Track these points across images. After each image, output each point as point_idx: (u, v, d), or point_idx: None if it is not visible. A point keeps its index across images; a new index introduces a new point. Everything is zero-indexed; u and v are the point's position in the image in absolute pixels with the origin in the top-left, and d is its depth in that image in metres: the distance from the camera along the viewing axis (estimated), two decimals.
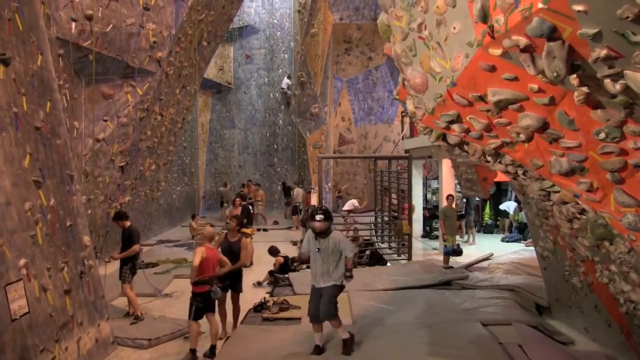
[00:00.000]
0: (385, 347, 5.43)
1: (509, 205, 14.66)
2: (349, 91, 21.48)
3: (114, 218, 7.35)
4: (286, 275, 8.82)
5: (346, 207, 15.77)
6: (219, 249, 6.42)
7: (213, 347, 5.77)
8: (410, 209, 11.71)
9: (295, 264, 9.65)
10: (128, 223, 7.17)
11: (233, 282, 6.38)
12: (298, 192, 17.68)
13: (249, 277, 9.63)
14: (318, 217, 5.22)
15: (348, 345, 5.27)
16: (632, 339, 5.05)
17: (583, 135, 2.89)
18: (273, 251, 9.52)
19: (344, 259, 5.29)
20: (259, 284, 9.01)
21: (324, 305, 5.19)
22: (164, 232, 15.95)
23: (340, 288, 5.34)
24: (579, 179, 3.20)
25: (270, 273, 9.07)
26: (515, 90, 2.94)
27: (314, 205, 14.04)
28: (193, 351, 5.65)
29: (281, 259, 9.25)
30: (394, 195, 13.06)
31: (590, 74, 2.46)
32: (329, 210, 5.46)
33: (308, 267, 10.25)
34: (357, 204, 15.74)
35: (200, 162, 22.15)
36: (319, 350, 5.36)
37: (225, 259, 6.09)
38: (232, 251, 6.42)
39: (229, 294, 6.49)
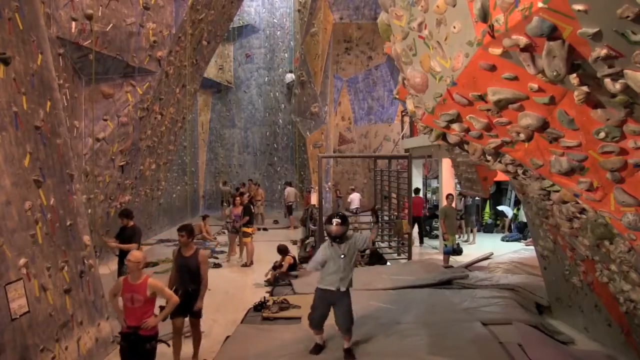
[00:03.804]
0: (385, 347, 5.43)
1: (507, 210, 14.71)
2: (349, 90, 21.48)
3: (120, 215, 7.40)
4: (294, 273, 8.81)
5: (354, 204, 15.69)
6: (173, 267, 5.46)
7: None
8: (411, 210, 11.69)
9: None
10: (132, 222, 7.25)
11: (192, 305, 5.30)
12: (290, 191, 17.60)
13: (249, 277, 9.66)
14: (335, 220, 5.08)
15: (351, 355, 5.23)
16: (632, 338, 5.05)
17: (583, 135, 2.89)
18: (282, 250, 9.29)
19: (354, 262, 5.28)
20: (268, 282, 8.88)
21: (344, 319, 5.16)
22: (164, 232, 15.93)
23: (350, 295, 5.30)
24: (579, 178, 3.20)
25: (274, 268, 9.03)
26: (515, 90, 2.94)
27: (314, 205, 14.04)
28: None
29: (291, 259, 9.12)
30: (393, 195, 13.05)
31: (590, 73, 2.47)
32: (346, 216, 5.33)
33: None
34: (360, 197, 15.74)
35: (200, 162, 22.15)
36: (319, 348, 5.35)
37: (168, 292, 4.66)
38: (189, 268, 5.34)
39: (187, 320, 5.47)
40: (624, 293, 4.69)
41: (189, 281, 5.34)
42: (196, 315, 5.42)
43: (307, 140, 18.93)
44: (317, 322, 5.27)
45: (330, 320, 5.33)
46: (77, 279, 5.40)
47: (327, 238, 5.33)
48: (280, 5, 22.12)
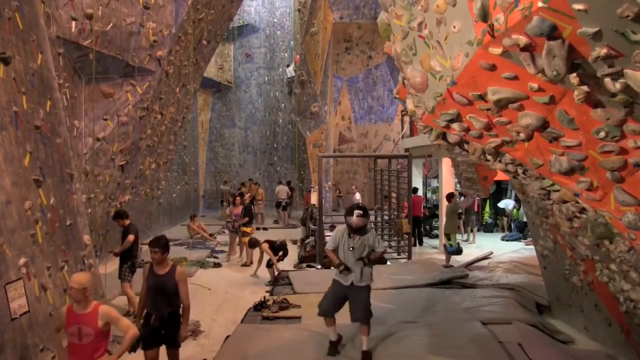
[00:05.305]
0: (385, 346, 5.43)
1: (507, 203, 14.69)
2: (349, 90, 21.47)
3: (114, 217, 7.40)
4: (286, 275, 8.79)
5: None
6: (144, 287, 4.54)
7: None
8: (410, 210, 11.68)
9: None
10: (127, 221, 7.25)
11: (168, 333, 4.47)
12: (281, 189, 18.12)
13: (248, 276, 9.65)
14: (357, 212, 4.91)
15: (367, 358, 5.11)
16: (632, 338, 5.05)
17: (583, 134, 2.89)
18: (254, 243, 9.19)
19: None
20: (270, 283, 8.85)
21: (362, 310, 5.05)
22: (164, 231, 15.92)
23: (370, 289, 5.19)
24: (579, 177, 3.20)
25: (269, 265, 9.02)
26: (515, 89, 2.94)
27: (314, 204, 14.04)
28: None
29: (266, 245, 9.07)
30: (393, 194, 13.04)
31: (590, 73, 2.46)
32: (367, 208, 5.19)
33: (309, 266, 10.32)
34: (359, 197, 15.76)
35: (200, 161, 22.16)
36: (335, 346, 5.23)
37: (125, 322, 3.67)
38: (164, 289, 4.42)
39: (162, 349, 4.58)
40: (624, 292, 4.69)
41: (165, 305, 4.44)
42: (174, 345, 4.54)
43: (307, 139, 18.92)
44: (325, 312, 5.15)
45: (345, 320, 5.27)
46: None
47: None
48: (280, 5, 22.12)
